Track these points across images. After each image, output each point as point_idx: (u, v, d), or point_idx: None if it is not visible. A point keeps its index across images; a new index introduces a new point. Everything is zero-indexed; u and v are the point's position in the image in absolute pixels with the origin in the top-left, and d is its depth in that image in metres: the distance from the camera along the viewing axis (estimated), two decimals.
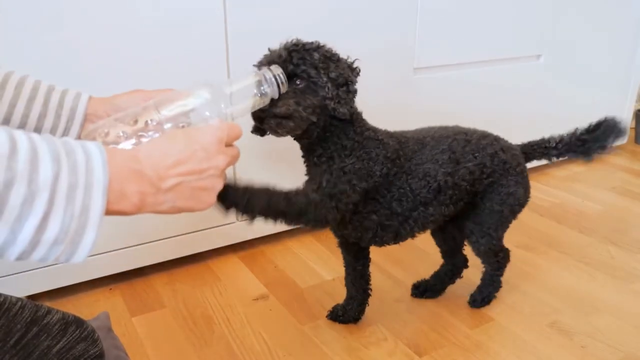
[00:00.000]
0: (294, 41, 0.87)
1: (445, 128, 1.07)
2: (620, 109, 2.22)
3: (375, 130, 0.97)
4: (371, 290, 1.17)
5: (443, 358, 1.06)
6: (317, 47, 0.87)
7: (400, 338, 1.12)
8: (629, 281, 1.33)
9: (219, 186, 0.59)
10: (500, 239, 1.13)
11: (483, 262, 1.18)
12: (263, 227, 1.48)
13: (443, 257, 1.27)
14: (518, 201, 1.09)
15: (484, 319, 1.18)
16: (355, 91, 0.91)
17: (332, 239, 1.53)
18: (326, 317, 1.19)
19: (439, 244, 1.25)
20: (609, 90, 2.15)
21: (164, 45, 1.17)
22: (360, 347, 1.09)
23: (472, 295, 1.23)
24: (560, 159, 1.16)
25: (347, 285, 1.17)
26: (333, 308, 1.20)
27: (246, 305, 1.24)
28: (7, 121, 0.71)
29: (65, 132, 0.75)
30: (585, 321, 1.17)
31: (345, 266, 1.16)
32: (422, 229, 1.05)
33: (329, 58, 0.88)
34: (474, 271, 1.36)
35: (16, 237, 0.40)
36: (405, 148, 0.98)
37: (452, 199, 1.02)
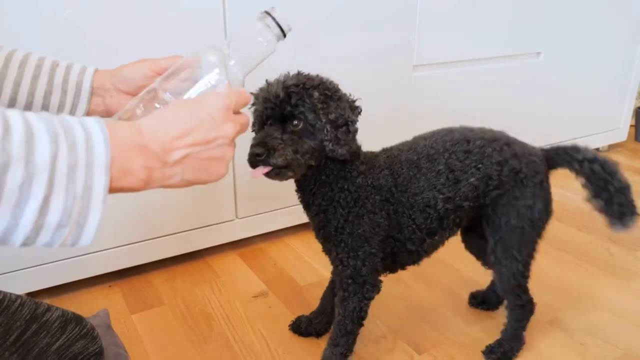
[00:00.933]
0: (294, 79, 0.82)
1: (444, 136, 0.96)
2: (620, 107, 2.23)
3: (365, 171, 0.90)
4: None
5: (442, 356, 1.06)
6: (318, 85, 0.83)
7: (400, 336, 1.12)
8: (629, 279, 1.33)
9: (229, 155, 0.56)
10: (526, 263, 0.99)
11: (507, 302, 1.05)
12: (262, 224, 1.48)
13: (483, 264, 1.15)
14: (538, 215, 0.96)
15: (483, 316, 1.18)
16: (355, 131, 0.86)
17: None
18: (288, 327, 1.14)
19: (473, 253, 1.16)
20: (609, 87, 2.15)
21: (163, 44, 1.16)
22: (359, 345, 1.09)
23: (489, 346, 1.07)
24: (586, 184, 1.00)
25: (323, 297, 1.11)
26: (296, 319, 1.15)
27: (245, 302, 1.24)
28: (13, 101, 0.69)
29: (73, 108, 0.73)
30: (585, 319, 1.17)
31: (331, 280, 1.08)
32: (432, 252, 1.01)
33: (330, 97, 0.83)
34: (475, 270, 1.37)
35: (18, 222, 0.39)
36: (398, 177, 0.92)
37: (455, 221, 0.96)
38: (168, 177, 0.51)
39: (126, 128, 0.48)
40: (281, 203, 1.48)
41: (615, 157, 2.25)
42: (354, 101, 0.87)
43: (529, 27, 1.78)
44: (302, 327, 1.12)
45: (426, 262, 1.38)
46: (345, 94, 0.86)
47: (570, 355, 1.06)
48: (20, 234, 0.40)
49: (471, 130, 0.98)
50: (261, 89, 0.85)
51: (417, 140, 0.98)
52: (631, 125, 2.39)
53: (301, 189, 0.91)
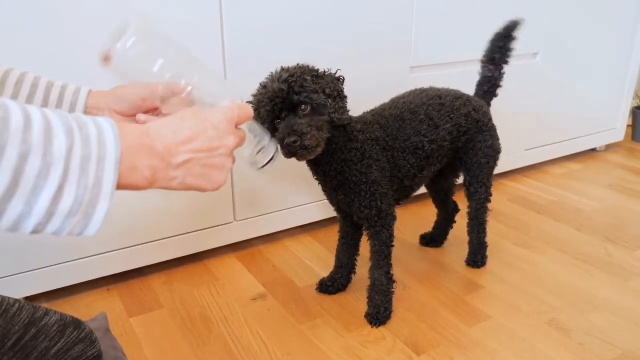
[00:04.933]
0: (285, 72, 0.95)
1: (420, 94, 1.20)
2: (617, 107, 2.23)
3: (362, 128, 1.08)
4: (357, 260, 1.28)
5: (441, 356, 1.06)
6: (305, 70, 0.96)
7: (399, 337, 1.12)
8: (626, 278, 1.33)
9: (228, 166, 0.58)
10: (490, 186, 1.30)
11: (477, 220, 1.32)
12: (261, 226, 1.48)
13: (436, 206, 1.46)
14: (497, 151, 1.27)
15: (482, 316, 1.18)
16: (346, 97, 1.02)
17: (330, 238, 1.54)
18: (316, 290, 1.28)
19: (432, 196, 1.44)
20: (606, 88, 2.15)
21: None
22: (358, 346, 1.09)
23: (471, 256, 1.38)
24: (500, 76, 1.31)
25: (338, 254, 1.27)
26: (321, 281, 1.29)
27: (244, 305, 1.24)
28: None
29: None
30: (583, 319, 1.17)
31: (341, 236, 1.26)
32: (420, 186, 1.23)
33: (318, 77, 0.97)
34: (473, 271, 1.38)
35: (32, 209, 0.40)
36: (388, 129, 1.12)
37: (438, 158, 1.19)
38: (171, 179, 0.53)
39: (134, 128, 0.50)
40: (279, 205, 1.48)
41: (613, 157, 2.25)
42: (335, 74, 1.02)
43: (526, 28, 1.78)
44: (330, 285, 1.27)
45: (425, 263, 1.39)
46: (326, 70, 1.01)
47: (569, 355, 1.06)
48: (32, 221, 0.41)
49: (439, 89, 1.23)
50: (260, 92, 0.97)
51: (396, 99, 1.21)
52: (628, 125, 2.40)
53: (316, 163, 1.06)
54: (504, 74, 1.31)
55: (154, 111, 0.78)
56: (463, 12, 1.61)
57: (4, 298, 0.63)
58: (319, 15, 1.35)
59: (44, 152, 0.40)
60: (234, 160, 0.60)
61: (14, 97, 0.70)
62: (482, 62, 1.31)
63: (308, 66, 0.99)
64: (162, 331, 1.15)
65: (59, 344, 0.65)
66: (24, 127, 0.39)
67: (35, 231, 0.42)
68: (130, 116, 0.76)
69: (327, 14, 1.36)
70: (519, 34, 1.28)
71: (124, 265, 1.30)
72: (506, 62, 1.30)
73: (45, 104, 0.72)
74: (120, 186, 0.47)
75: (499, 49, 1.28)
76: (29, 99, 0.71)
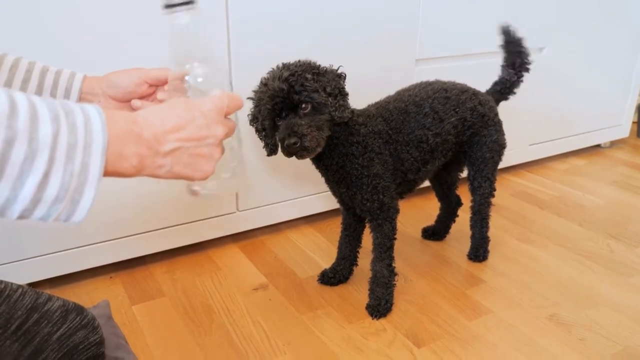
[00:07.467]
0: (286, 70, 0.94)
1: (425, 87, 1.20)
2: (622, 103, 2.22)
3: (364, 122, 1.08)
4: (358, 252, 1.29)
5: (441, 349, 1.07)
6: (306, 68, 0.96)
7: (399, 329, 1.12)
8: (628, 275, 1.33)
9: (216, 156, 0.57)
10: (494, 181, 1.30)
11: (480, 214, 1.32)
12: (263, 217, 1.48)
13: (439, 200, 1.46)
14: (501, 146, 1.27)
15: (483, 310, 1.18)
16: (347, 94, 1.01)
17: (331, 230, 1.54)
18: (317, 281, 1.28)
19: (435, 189, 1.44)
20: (612, 83, 2.14)
21: (163, 38, 1.16)
22: (359, 338, 1.10)
23: (472, 250, 1.38)
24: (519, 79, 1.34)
25: (340, 246, 1.27)
26: (322, 272, 1.29)
27: (246, 294, 1.24)
28: None
29: None
30: (584, 314, 1.18)
31: (343, 228, 1.26)
32: (424, 180, 1.24)
33: (319, 74, 0.97)
34: (474, 265, 1.38)
35: (17, 195, 0.40)
36: (391, 122, 1.12)
37: (443, 152, 1.19)
38: (158, 167, 0.52)
39: (122, 115, 0.50)
40: (282, 196, 1.48)
41: (617, 153, 2.24)
42: (336, 70, 1.01)
43: (532, 22, 1.77)
44: (331, 276, 1.27)
45: (427, 256, 1.39)
46: (327, 67, 1.00)
47: (569, 351, 1.06)
48: (18, 207, 0.41)
49: (445, 82, 1.24)
50: (261, 91, 0.97)
51: (401, 92, 1.20)
52: (633, 122, 2.39)
53: (318, 158, 1.07)
54: (522, 81, 1.31)
55: (149, 97, 0.78)
56: (470, 4, 1.60)
57: (7, 284, 0.63)
58: (323, 7, 1.34)
59: (30, 138, 0.40)
60: (222, 150, 0.59)
61: (9, 82, 0.70)
62: (503, 65, 1.32)
63: (309, 62, 0.98)
64: (164, 319, 1.15)
65: (62, 330, 0.65)
66: (10, 113, 0.39)
67: (21, 217, 0.42)
68: (125, 101, 0.76)
69: (332, 5, 1.35)
70: (520, 32, 1.28)
71: (127, 253, 1.31)
72: (527, 70, 1.31)
73: (39, 89, 0.72)
74: (107, 173, 0.47)
75: (518, 54, 1.29)
76: (24, 84, 0.71)
